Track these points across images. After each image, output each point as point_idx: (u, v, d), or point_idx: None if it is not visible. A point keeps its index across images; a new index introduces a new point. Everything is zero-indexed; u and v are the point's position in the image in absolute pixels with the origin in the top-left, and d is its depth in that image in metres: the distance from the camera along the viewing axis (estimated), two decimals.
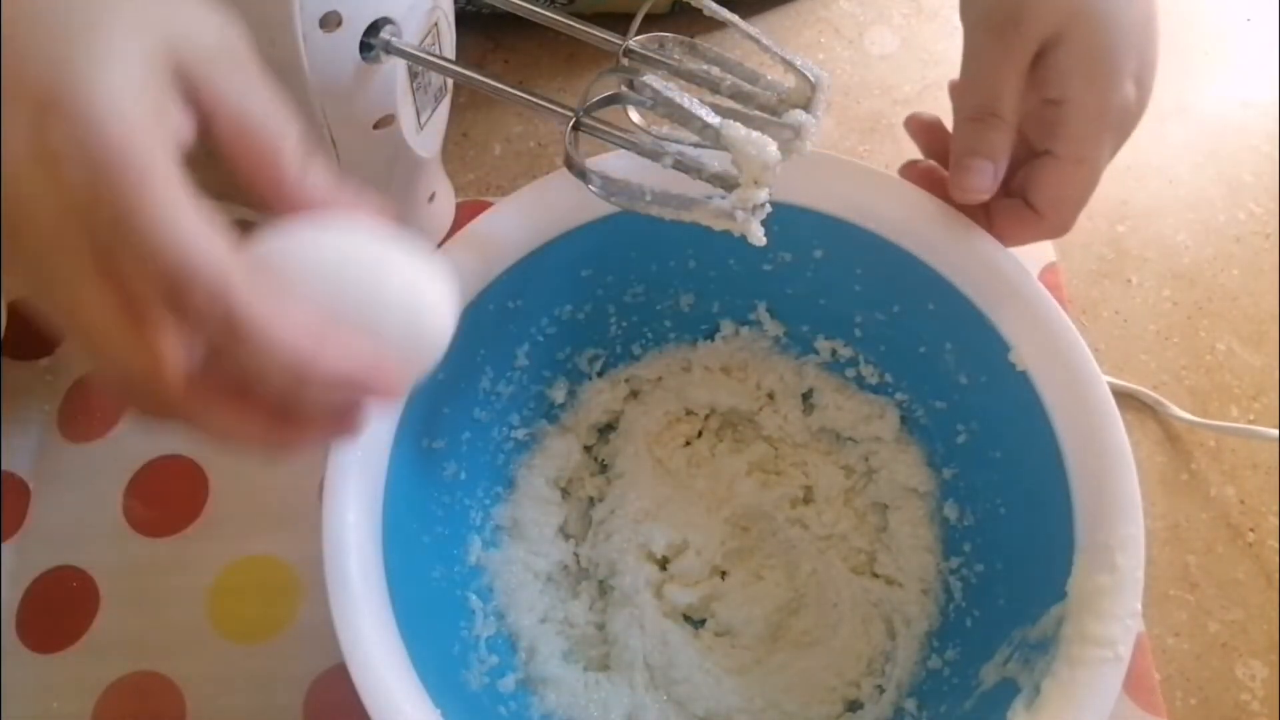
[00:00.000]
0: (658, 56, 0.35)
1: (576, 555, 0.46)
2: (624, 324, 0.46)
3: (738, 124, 0.31)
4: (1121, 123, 0.37)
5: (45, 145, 0.21)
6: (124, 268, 0.22)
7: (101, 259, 0.22)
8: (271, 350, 0.23)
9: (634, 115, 0.34)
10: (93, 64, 0.22)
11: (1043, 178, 0.38)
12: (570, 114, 0.34)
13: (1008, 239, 0.39)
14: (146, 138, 0.22)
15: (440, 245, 0.50)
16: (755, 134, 0.31)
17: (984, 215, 0.39)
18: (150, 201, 0.21)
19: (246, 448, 0.25)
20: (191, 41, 0.24)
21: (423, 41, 0.40)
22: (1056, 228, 0.38)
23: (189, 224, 0.22)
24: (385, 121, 0.41)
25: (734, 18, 0.36)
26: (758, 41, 0.35)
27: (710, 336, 0.48)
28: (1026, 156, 0.38)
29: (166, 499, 0.46)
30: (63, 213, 0.22)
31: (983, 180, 0.37)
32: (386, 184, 0.46)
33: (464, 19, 0.43)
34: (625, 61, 0.35)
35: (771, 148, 0.31)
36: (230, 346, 0.22)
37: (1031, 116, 0.37)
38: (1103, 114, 0.36)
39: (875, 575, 0.45)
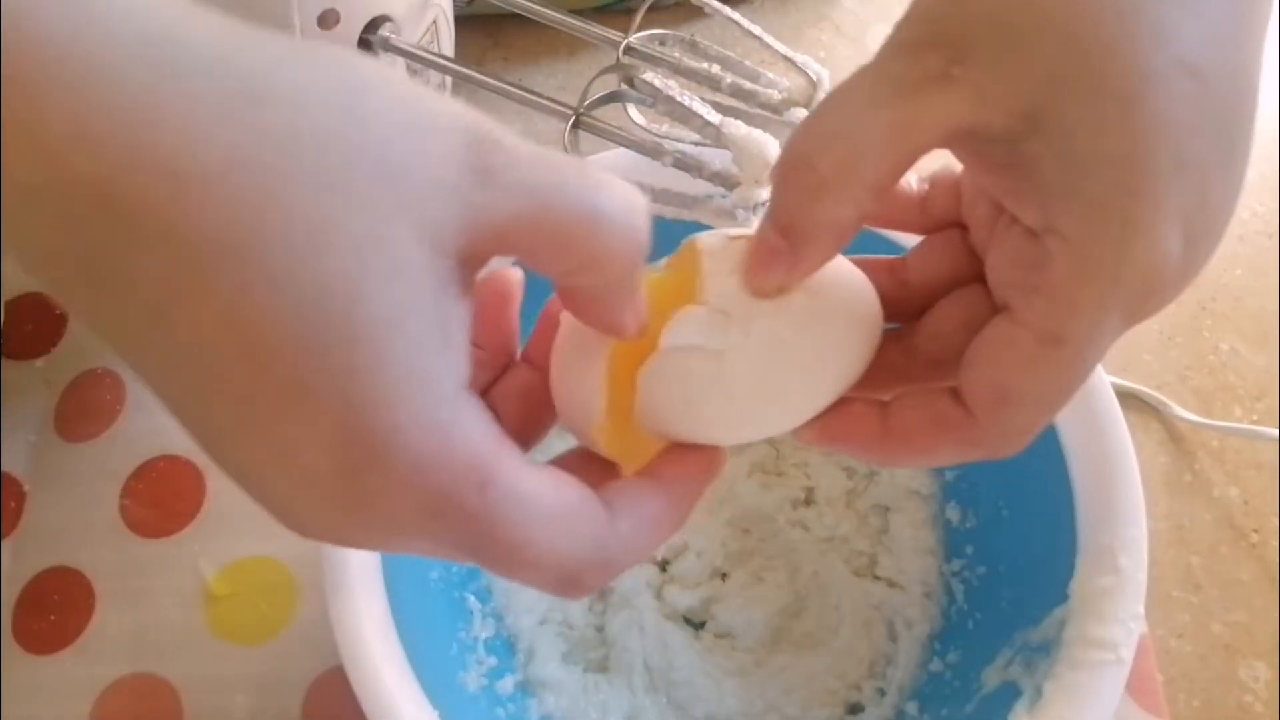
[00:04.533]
0: (658, 54, 0.35)
1: None
2: None
3: (739, 122, 0.31)
4: (1145, 291, 0.20)
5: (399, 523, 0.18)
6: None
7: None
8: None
9: (634, 113, 0.34)
10: (393, 387, 0.17)
11: (986, 354, 0.22)
12: (570, 112, 0.33)
13: (910, 449, 0.23)
14: (487, 446, 0.19)
15: None
16: (756, 132, 0.31)
17: (876, 412, 0.23)
18: (510, 520, 0.19)
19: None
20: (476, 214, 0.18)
21: (421, 39, 0.39)
22: (994, 443, 0.22)
23: (546, 521, 0.19)
24: None
25: (736, 15, 0.35)
26: (759, 39, 0.35)
27: None
28: (978, 314, 0.23)
29: (164, 499, 0.46)
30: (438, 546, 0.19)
31: (772, 272, 0.23)
32: None
33: (463, 18, 0.43)
34: (625, 59, 0.35)
35: (773, 146, 0.30)
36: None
37: (1002, 246, 0.23)
38: (1113, 273, 0.20)
39: (876, 578, 0.44)
